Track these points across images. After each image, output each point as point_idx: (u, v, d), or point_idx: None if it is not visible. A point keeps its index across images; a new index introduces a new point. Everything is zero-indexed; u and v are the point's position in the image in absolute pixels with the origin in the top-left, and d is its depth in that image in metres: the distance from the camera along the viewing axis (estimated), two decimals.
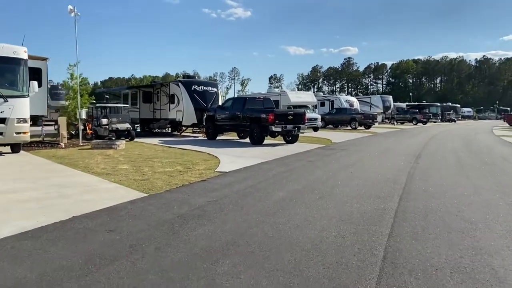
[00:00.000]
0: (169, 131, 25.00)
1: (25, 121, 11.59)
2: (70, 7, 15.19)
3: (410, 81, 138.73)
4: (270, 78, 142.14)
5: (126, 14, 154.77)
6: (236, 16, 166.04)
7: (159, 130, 23.56)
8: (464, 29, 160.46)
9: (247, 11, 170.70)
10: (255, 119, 16.63)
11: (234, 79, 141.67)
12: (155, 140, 18.21)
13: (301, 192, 6.83)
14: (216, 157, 11.88)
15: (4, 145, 11.88)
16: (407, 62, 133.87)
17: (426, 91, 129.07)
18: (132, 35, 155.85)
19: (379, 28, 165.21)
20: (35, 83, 12.18)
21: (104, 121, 18.49)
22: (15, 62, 11.50)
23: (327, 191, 6.91)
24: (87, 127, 18.30)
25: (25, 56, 11.72)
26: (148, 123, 24.32)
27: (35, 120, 16.52)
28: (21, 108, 11.45)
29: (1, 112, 11.07)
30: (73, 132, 18.64)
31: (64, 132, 16.04)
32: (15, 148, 12.03)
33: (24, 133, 11.61)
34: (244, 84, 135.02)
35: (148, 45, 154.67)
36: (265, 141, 16.88)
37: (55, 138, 16.87)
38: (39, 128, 18.27)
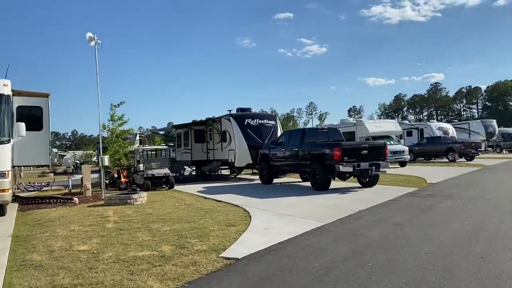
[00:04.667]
0: (228, 173, 21.75)
1: (2, 175, 8.84)
2: (89, 34, 12.91)
3: (511, 103, 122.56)
4: (349, 111, 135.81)
5: (204, 59, 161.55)
6: (312, 53, 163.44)
7: (212, 173, 20.31)
8: None
9: (322, 48, 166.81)
10: (316, 157, 12.49)
11: (311, 113, 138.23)
12: (198, 187, 14.87)
13: None
14: (249, 216, 8.02)
15: None
16: (505, 83, 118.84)
17: None
18: (209, 80, 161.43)
19: (464, 52, 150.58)
20: (22, 125, 9.56)
21: (141, 167, 15.76)
22: None
23: None
24: (121, 175, 15.62)
25: (6, 91, 9.23)
26: (202, 165, 21.31)
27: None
28: None
29: None
30: (106, 182, 16.09)
31: (87, 183, 13.41)
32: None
33: (2, 191, 8.83)
34: (322, 118, 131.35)
35: (225, 87, 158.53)
36: (334, 184, 12.61)
37: (80, 190, 14.33)
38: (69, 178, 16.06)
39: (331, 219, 7.30)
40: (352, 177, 12.80)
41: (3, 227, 7.97)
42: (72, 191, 14.97)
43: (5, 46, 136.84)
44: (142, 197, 11.05)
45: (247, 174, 21.77)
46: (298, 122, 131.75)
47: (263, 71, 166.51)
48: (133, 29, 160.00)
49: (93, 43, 12.93)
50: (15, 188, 13.76)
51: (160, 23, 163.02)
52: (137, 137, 36.78)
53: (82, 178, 14.39)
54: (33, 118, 10.75)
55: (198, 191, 13.58)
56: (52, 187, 17.22)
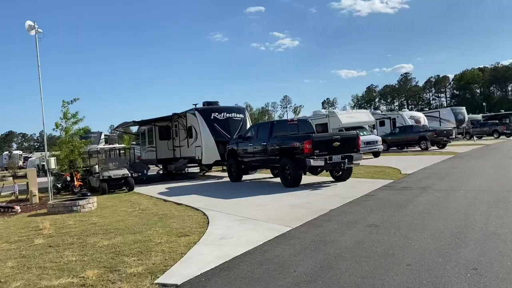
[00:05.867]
0: (197, 171, 20.63)
1: None
2: (29, 22, 11.48)
3: (478, 91, 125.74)
4: (323, 103, 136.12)
5: (175, 53, 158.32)
6: (285, 47, 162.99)
7: (179, 172, 19.12)
8: None
9: (294, 41, 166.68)
10: (285, 151, 11.59)
11: (286, 107, 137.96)
12: (161, 188, 13.74)
13: None
14: (208, 222, 7.03)
15: None
16: (472, 72, 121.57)
17: (497, 100, 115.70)
18: (180, 74, 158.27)
19: (433, 42, 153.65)
20: None
21: (96, 168, 14.46)
22: None
23: None
24: (74, 178, 14.27)
25: None
26: (168, 163, 20.06)
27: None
28: None
29: None
30: (59, 185, 14.72)
31: (33, 188, 12.05)
32: None
33: None
34: (297, 112, 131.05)
35: (197, 83, 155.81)
36: (306, 179, 11.77)
37: (27, 196, 12.93)
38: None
39: (299, 222, 6.39)
40: (324, 171, 12.00)
41: None
42: (20, 197, 13.55)
43: None
44: (91, 203, 9.85)
45: (218, 171, 20.74)
46: (273, 115, 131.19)
47: (237, 66, 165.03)
48: (103, 24, 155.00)
49: (33, 32, 11.52)
50: None
51: (131, 19, 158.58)
52: (102, 136, 35.02)
53: (27, 183, 13.00)
54: None
55: (160, 193, 12.46)
56: (1, 193, 15.66)
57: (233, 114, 17.78)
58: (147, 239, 6.02)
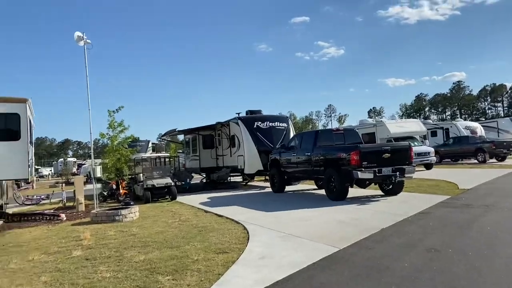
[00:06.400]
0: (240, 180, 20.38)
1: None
2: (78, 33, 11.79)
3: None
4: (369, 112, 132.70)
5: (221, 64, 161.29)
6: (330, 56, 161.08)
7: (222, 181, 18.92)
8: None
9: (340, 50, 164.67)
10: (331, 162, 10.99)
11: (330, 116, 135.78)
12: (202, 198, 13.56)
13: None
14: (248, 238, 6.63)
15: None
16: None
17: None
18: (224, 84, 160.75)
19: (487, 50, 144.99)
20: None
21: (140, 176, 14.56)
22: None
23: None
24: (120, 186, 14.44)
25: None
26: (211, 172, 19.96)
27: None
28: None
29: None
30: (105, 193, 14.95)
31: (80, 196, 12.26)
32: None
33: None
34: (342, 121, 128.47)
35: (241, 92, 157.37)
36: (352, 192, 11.10)
37: (73, 204, 13.17)
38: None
39: (347, 242, 5.82)
40: (373, 184, 11.27)
41: None
42: (67, 204, 13.87)
43: None
44: (133, 212, 9.77)
45: (260, 181, 20.37)
46: (317, 125, 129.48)
47: (281, 76, 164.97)
48: (148, 35, 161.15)
49: (82, 43, 11.80)
50: (5, 204, 12.76)
51: (178, 32, 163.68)
52: (150, 144, 35.79)
53: (74, 191, 13.26)
54: (9, 127, 9.65)
55: (201, 203, 12.26)
56: (51, 200, 16.20)
57: (276, 123, 17.39)
58: (184, 255, 5.71)
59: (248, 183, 19.41)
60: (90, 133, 11.80)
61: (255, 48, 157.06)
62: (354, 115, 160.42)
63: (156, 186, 13.73)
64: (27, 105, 9.96)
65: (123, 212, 9.56)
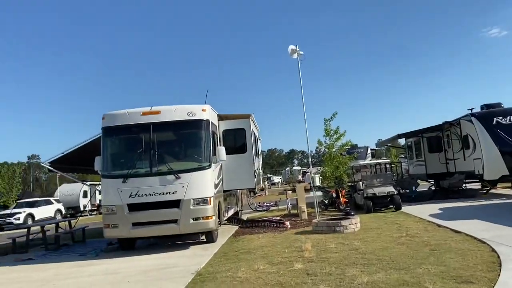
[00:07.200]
0: (477, 187, 17.33)
1: (204, 201, 8.68)
2: (291, 47, 12.26)
3: None
4: None
5: (447, 56, 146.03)
6: None
7: (454, 189, 16.35)
8: None
9: None
10: None
11: None
12: (432, 209, 11.91)
13: None
14: (499, 263, 5.14)
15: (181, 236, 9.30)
16: None
17: None
18: (448, 79, 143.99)
19: None
20: (222, 149, 9.42)
21: (360, 184, 13.97)
22: (189, 126, 9.09)
23: None
24: (340, 195, 14.21)
25: (204, 116, 9.14)
26: (440, 179, 17.62)
27: None
28: (199, 184, 8.68)
29: (173, 193, 8.59)
30: (326, 202, 14.99)
31: (302, 204, 12.60)
32: (209, 236, 9.31)
33: (205, 218, 8.65)
34: None
35: (473, 85, 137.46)
36: None
37: (297, 211, 13.65)
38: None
39: None
40: None
41: (199, 259, 7.61)
42: (292, 211, 14.53)
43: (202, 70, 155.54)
44: (354, 223, 9.25)
45: (505, 188, 16.76)
46: None
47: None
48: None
49: (295, 55, 12.22)
50: (240, 210, 14.36)
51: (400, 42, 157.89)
52: (368, 151, 35.04)
53: (296, 199, 13.76)
54: (237, 141, 10.69)
55: (431, 215, 10.74)
56: (279, 207, 17.45)
57: None
58: (416, 280, 4.75)
59: (490, 191, 16.19)
60: (307, 143, 12.05)
61: (484, 35, 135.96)
62: None
63: (378, 195, 12.87)
64: (250, 120, 10.91)
65: (344, 223, 9.16)
